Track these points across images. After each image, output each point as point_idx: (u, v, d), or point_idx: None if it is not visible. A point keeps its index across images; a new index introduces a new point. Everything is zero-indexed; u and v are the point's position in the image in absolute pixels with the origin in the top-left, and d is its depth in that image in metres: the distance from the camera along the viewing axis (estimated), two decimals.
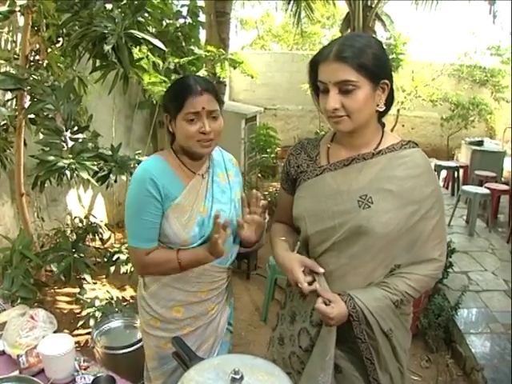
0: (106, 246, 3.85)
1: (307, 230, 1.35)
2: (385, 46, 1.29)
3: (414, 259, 1.31)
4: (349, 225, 1.27)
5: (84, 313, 2.96)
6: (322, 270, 1.30)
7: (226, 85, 5.29)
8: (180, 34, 4.26)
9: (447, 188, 7.26)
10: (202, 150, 1.46)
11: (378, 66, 1.21)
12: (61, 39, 3.04)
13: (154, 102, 3.88)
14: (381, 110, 1.27)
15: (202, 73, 4.17)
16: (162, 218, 1.46)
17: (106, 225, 4.01)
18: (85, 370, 1.46)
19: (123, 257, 3.26)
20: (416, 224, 1.28)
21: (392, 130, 9.74)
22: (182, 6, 4.66)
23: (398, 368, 1.38)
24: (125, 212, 1.50)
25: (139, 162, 1.66)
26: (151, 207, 1.43)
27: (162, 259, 1.48)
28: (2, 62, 3.15)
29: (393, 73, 1.29)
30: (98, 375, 1.37)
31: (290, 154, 1.48)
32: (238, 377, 0.92)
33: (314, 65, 1.27)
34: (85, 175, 2.54)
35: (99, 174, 2.83)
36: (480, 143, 7.58)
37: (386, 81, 1.24)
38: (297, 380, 1.44)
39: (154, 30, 3.79)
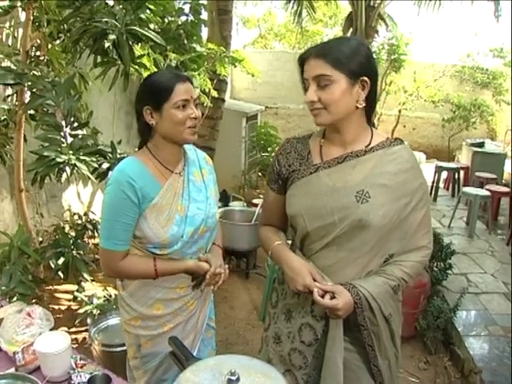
0: None
1: (306, 227, 1.38)
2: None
3: (406, 248, 1.40)
4: (349, 219, 1.32)
5: (82, 310, 2.95)
6: (330, 283, 1.34)
7: (227, 83, 5.28)
8: (182, 31, 4.23)
9: (448, 189, 7.24)
10: (190, 137, 1.50)
11: (356, 64, 1.27)
12: (62, 35, 3.02)
13: None
14: (360, 106, 1.32)
15: (203, 70, 4.15)
16: (139, 219, 1.47)
17: None
18: (81, 368, 1.44)
19: None
20: (408, 215, 1.37)
21: (393, 131, 9.76)
22: (185, 3, 4.63)
23: (394, 353, 1.46)
24: (101, 214, 1.50)
25: None
26: (128, 210, 1.44)
27: (137, 267, 1.51)
28: (3, 57, 3.13)
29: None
30: (94, 374, 1.37)
31: (278, 153, 1.51)
32: (234, 378, 0.92)
33: (301, 64, 1.35)
34: (84, 171, 2.53)
35: (98, 171, 2.81)
36: (481, 145, 7.58)
37: (366, 78, 1.29)
38: (297, 375, 1.45)
39: (155, 27, 3.78)
